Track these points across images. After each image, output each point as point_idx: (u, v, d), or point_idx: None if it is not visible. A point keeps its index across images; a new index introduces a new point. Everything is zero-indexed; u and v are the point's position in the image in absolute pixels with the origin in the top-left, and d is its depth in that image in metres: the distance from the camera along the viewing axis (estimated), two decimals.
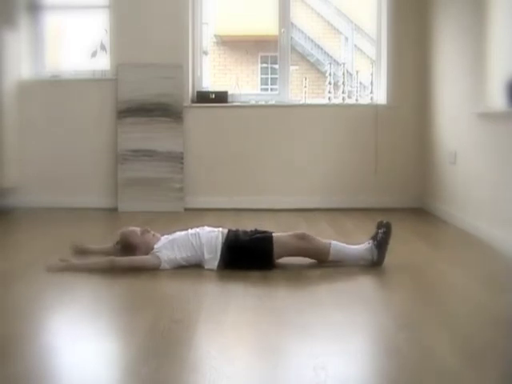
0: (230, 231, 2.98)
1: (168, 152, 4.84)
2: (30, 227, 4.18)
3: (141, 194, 4.81)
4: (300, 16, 8.13)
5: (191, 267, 2.90)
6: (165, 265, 2.87)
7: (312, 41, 8.23)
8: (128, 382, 1.70)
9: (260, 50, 7.91)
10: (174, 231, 3.05)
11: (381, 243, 2.88)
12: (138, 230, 3.02)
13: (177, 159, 4.84)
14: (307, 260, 2.99)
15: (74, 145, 4.94)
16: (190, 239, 2.92)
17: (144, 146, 4.84)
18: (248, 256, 2.87)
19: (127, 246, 2.99)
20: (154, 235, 3.02)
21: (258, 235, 2.94)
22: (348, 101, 5.03)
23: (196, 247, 2.90)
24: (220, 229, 2.99)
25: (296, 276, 2.82)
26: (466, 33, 3.92)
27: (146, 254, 2.93)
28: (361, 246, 2.94)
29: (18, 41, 4.85)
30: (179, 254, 2.89)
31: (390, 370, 1.77)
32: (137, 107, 4.83)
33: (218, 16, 7.36)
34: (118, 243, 3.06)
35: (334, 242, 2.94)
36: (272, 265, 2.90)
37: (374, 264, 2.89)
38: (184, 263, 2.91)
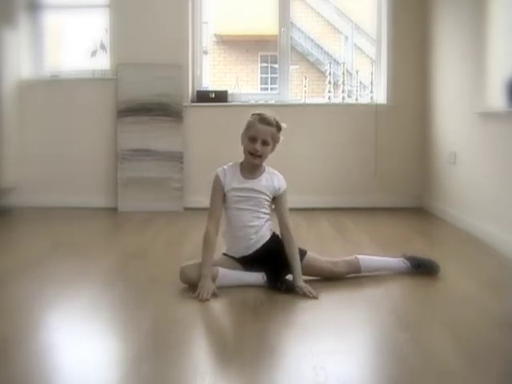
0: None
1: (168, 152, 4.84)
2: (29, 227, 4.18)
3: (140, 194, 4.81)
4: (300, 16, 8.13)
5: None
6: None
7: (312, 40, 8.23)
8: (128, 381, 1.70)
9: (260, 49, 7.91)
10: None
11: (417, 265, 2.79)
12: None
13: (176, 159, 4.84)
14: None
15: (74, 144, 4.94)
16: None
17: (144, 146, 4.83)
18: None
19: None
20: None
21: None
22: (348, 100, 5.03)
23: None
24: None
25: None
26: (466, 32, 3.92)
27: None
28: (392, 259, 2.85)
29: (18, 40, 4.85)
30: None
31: (390, 370, 1.77)
32: (137, 107, 4.83)
33: (218, 15, 7.36)
34: None
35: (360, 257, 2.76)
36: None
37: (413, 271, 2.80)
38: None
